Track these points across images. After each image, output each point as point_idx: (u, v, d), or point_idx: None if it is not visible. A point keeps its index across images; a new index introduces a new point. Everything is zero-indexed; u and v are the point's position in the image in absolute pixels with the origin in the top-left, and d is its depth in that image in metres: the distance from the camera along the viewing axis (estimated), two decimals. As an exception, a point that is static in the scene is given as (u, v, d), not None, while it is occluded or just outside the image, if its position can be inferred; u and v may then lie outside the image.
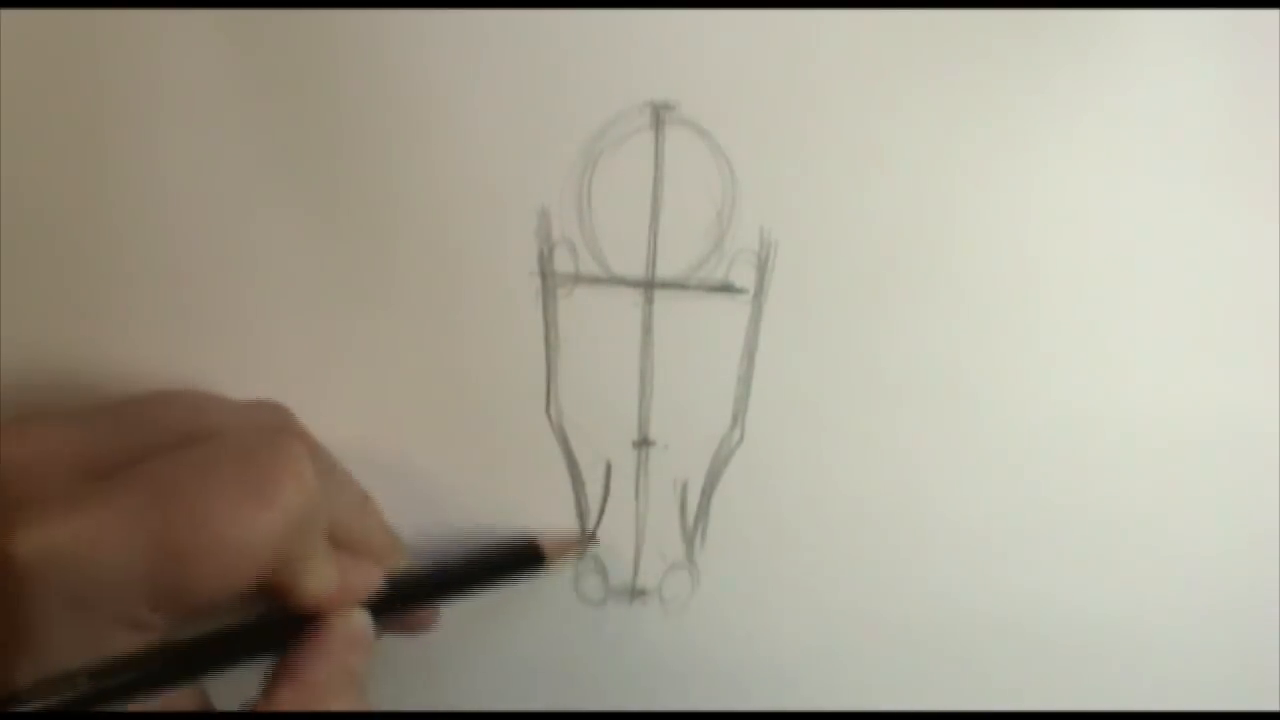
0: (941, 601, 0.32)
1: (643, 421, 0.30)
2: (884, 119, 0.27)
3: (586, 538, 0.30)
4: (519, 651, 0.31)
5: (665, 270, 0.28)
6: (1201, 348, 0.30)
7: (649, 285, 0.28)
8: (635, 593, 0.31)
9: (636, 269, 0.28)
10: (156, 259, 0.27)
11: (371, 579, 0.26)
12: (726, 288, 0.29)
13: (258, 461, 0.23)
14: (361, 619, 0.25)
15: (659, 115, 0.27)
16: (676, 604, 0.31)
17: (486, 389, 0.29)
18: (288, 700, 0.23)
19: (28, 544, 0.20)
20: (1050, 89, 0.27)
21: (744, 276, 0.29)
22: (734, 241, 0.28)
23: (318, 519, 0.24)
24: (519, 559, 0.29)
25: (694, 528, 0.31)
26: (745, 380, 0.29)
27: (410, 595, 0.27)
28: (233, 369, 0.28)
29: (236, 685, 0.24)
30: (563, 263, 0.28)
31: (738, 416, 0.30)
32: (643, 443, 0.30)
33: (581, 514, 0.30)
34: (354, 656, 0.25)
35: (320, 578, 0.24)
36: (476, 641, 0.31)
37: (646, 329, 0.29)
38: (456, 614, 0.29)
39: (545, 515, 0.30)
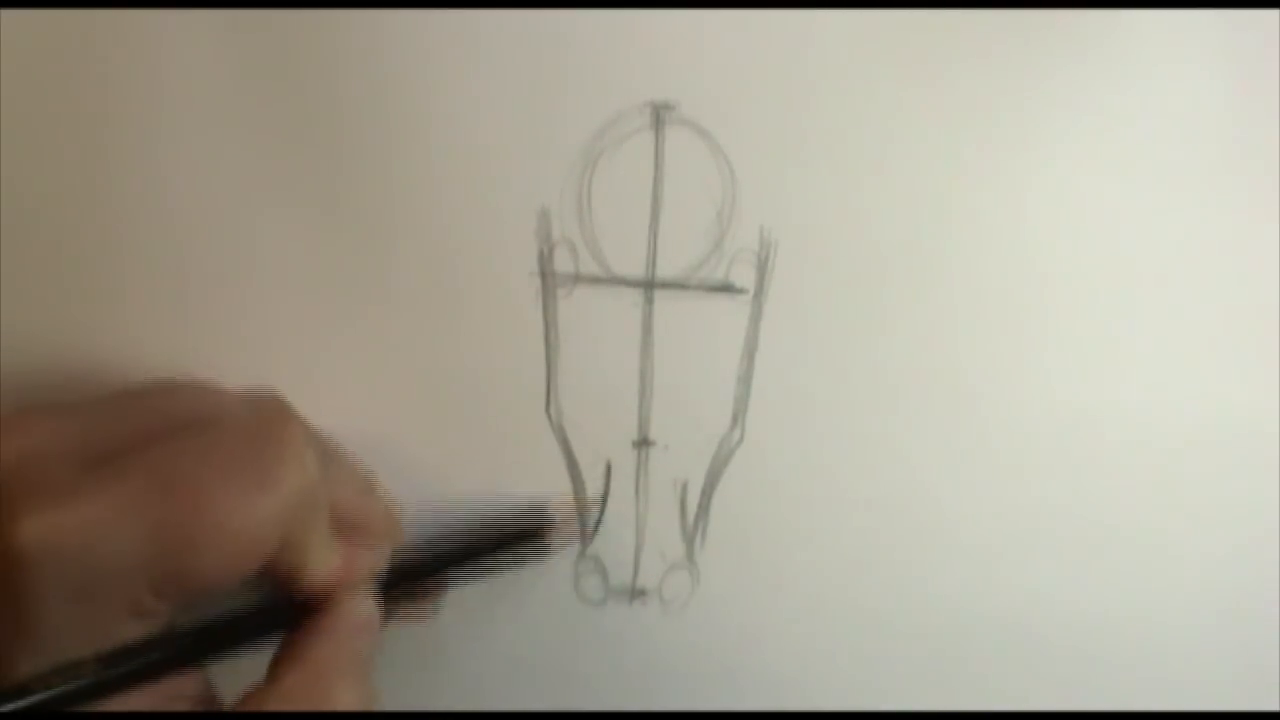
0: (941, 601, 0.32)
1: (643, 421, 0.30)
2: (884, 119, 0.27)
3: (588, 503, 0.30)
4: (518, 651, 0.31)
5: (665, 270, 0.28)
6: (1202, 348, 0.30)
7: (649, 285, 0.28)
8: (635, 593, 0.31)
9: (636, 269, 0.28)
10: (156, 258, 0.27)
11: (375, 560, 0.26)
12: (726, 288, 0.29)
13: (258, 446, 0.23)
14: (366, 601, 0.25)
15: (659, 115, 0.27)
16: (676, 604, 0.31)
17: (486, 389, 0.29)
18: (294, 684, 0.23)
19: (30, 534, 0.20)
20: (1050, 89, 0.27)
21: (744, 276, 0.29)
22: (734, 241, 0.28)
23: (319, 502, 0.24)
24: (523, 530, 0.29)
25: (694, 528, 0.31)
26: (745, 380, 0.29)
27: (414, 573, 0.27)
28: (232, 369, 0.28)
29: (239, 668, 0.24)
30: (563, 263, 0.28)
31: (738, 416, 0.30)
32: (643, 443, 0.30)
33: (581, 514, 0.30)
34: (359, 640, 0.25)
35: (323, 561, 0.24)
36: (476, 641, 0.31)
37: (646, 329, 0.29)
38: (456, 614, 0.29)
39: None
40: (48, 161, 0.26)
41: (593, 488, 0.30)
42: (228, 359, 0.28)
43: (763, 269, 0.28)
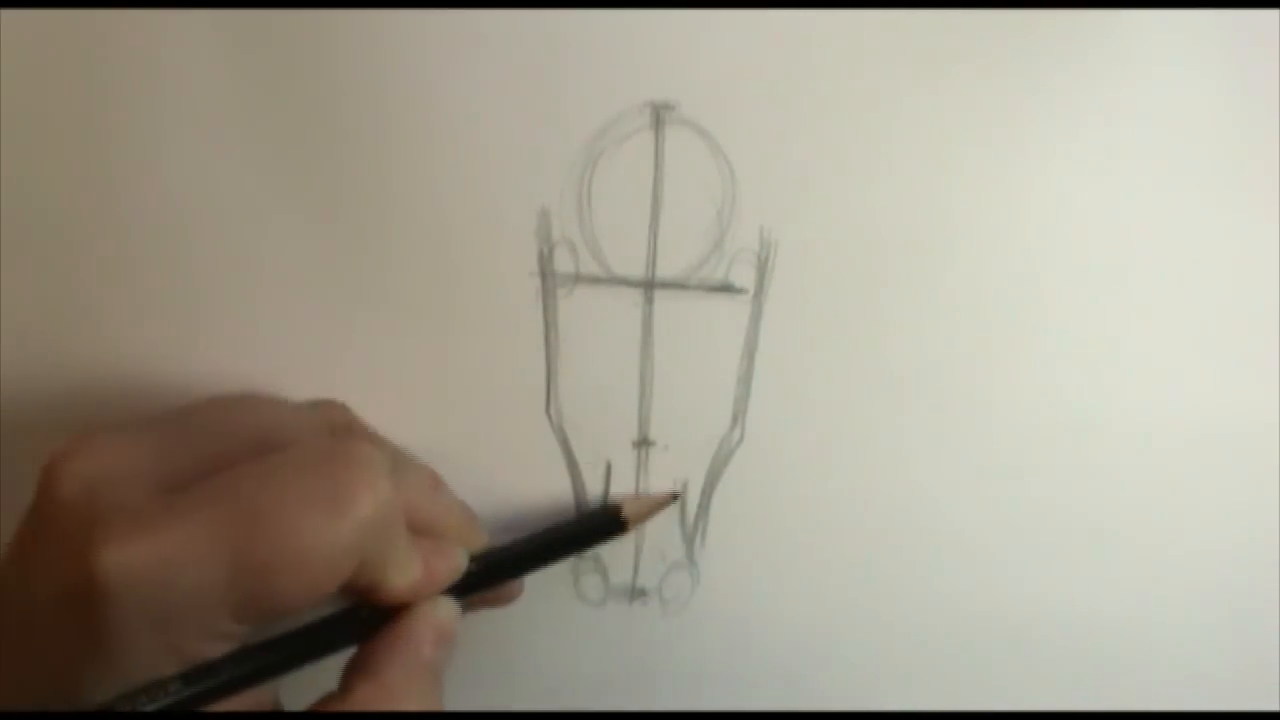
0: (941, 601, 0.32)
1: (643, 421, 0.30)
2: (884, 119, 0.27)
3: (669, 498, 0.30)
4: (519, 651, 0.31)
5: (665, 270, 0.28)
6: (1202, 348, 0.30)
7: (649, 285, 0.28)
8: (635, 593, 0.31)
9: (636, 269, 0.28)
10: (155, 258, 0.27)
11: (456, 562, 0.26)
12: (726, 288, 0.29)
13: (333, 471, 0.23)
14: (447, 607, 0.25)
15: (659, 115, 0.27)
16: (676, 604, 0.31)
17: (486, 389, 0.29)
18: (365, 698, 0.23)
19: (111, 565, 0.20)
20: (1050, 89, 0.27)
21: (744, 276, 0.29)
22: (734, 241, 0.28)
23: (395, 517, 0.23)
24: (601, 526, 0.29)
25: (694, 528, 0.31)
26: (745, 380, 0.29)
27: (494, 573, 0.27)
28: (232, 369, 0.28)
29: (309, 676, 0.24)
30: (563, 263, 0.28)
31: (738, 416, 0.30)
32: (643, 443, 0.30)
33: (581, 514, 0.30)
34: (436, 651, 0.24)
35: (404, 571, 0.24)
36: (476, 641, 0.31)
37: (646, 329, 0.29)
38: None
39: (545, 515, 0.30)
40: (48, 162, 0.26)
41: (593, 488, 0.30)
42: (227, 358, 0.28)
43: (763, 269, 0.28)
